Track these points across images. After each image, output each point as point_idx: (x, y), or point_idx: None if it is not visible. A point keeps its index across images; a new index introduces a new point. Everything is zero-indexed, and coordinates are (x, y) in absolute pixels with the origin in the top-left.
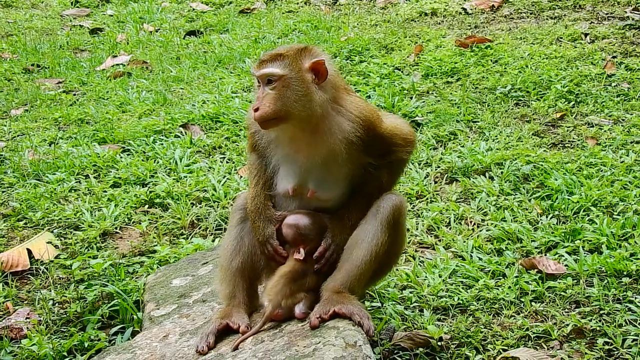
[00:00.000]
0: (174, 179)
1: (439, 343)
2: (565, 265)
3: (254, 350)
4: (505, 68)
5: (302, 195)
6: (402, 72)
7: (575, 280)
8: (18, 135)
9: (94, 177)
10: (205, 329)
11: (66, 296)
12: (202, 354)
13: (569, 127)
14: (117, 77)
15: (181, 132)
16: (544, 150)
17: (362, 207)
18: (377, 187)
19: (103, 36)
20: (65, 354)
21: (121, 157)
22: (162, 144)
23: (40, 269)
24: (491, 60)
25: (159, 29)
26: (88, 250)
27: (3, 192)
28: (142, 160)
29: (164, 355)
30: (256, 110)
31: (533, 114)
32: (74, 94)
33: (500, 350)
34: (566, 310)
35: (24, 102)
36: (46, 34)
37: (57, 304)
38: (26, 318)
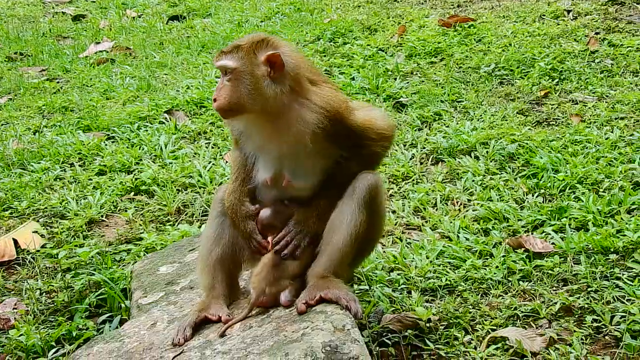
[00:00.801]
0: (159, 166)
1: (428, 324)
2: (552, 244)
3: (243, 337)
4: (488, 47)
5: (279, 184)
6: (385, 53)
7: (563, 259)
8: (2, 125)
9: (79, 165)
10: (182, 322)
11: (53, 285)
12: (178, 346)
13: (553, 104)
14: (101, 64)
15: (166, 118)
16: (529, 129)
17: (332, 196)
18: (349, 178)
19: (86, 23)
20: (53, 343)
21: (106, 145)
22: (146, 131)
23: (26, 259)
24: (474, 40)
25: (142, 15)
26: (74, 239)
27: None
28: (127, 147)
29: (152, 343)
30: (215, 100)
31: (517, 93)
32: (58, 82)
33: (489, 330)
34: (554, 288)
35: (7, 90)
36: (28, 21)
37: (44, 294)
38: (13, 308)
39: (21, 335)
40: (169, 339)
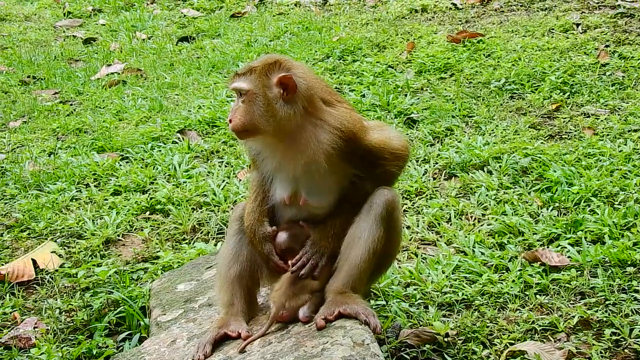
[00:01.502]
0: (173, 185)
1: (446, 339)
2: (569, 257)
3: (262, 352)
4: (498, 62)
5: (296, 203)
6: (395, 69)
7: (579, 272)
8: (17, 147)
9: (95, 186)
10: (202, 339)
11: (72, 304)
12: None
13: (565, 118)
14: (113, 86)
15: (178, 137)
16: (542, 143)
17: (347, 214)
18: (364, 197)
19: (96, 46)
20: None
21: (120, 165)
22: (160, 151)
23: (45, 279)
24: (484, 55)
25: (152, 37)
26: (92, 258)
27: (5, 203)
28: (141, 167)
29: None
30: (230, 121)
31: (528, 107)
32: (71, 104)
33: (507, 344)
34: (571, 302)
35: (21, 113)
36: (40, 45)
37: (63, 313)
38: (34, 327)
39: (42, 354)
40: (189, 355)
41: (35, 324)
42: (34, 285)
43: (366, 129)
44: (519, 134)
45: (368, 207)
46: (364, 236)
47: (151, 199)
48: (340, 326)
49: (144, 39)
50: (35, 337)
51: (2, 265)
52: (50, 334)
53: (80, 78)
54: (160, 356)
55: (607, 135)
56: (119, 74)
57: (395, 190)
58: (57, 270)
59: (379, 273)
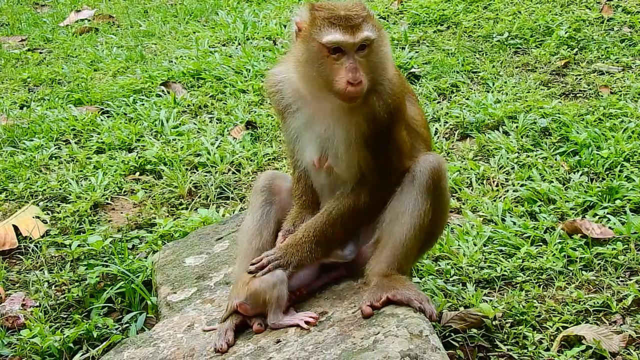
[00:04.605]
0: (162, 143)
1: (493, 322)
2: (610, 228)
3: (302, 343)
4: (497, 14)
5: (323, 165)
6: (387, 20)
7: (625, 245)
8: None
9: (75, 143)
10: (222, 325)
11: (63, 278)
12: (221, 352)
13: (577, 75)
14: (84, 33)
15: (162, 90)
16: (559, 102)
17: (334, 218)
18: (354, 203)
19: None
20: (71, 345)
21: (102, 120)
22: (143, 104)
23: (29, 247)
24: (481, 7)
25: None
26: (80, 225)
27: None
28: (125, 122)
29: (192, 348)
30: (358, 83)
31: (535, 63)
32: (40, 52)
33: (560, 327)
34: (621, 279)
35: None
36: None
37: (53, 287)
38: (22, 305)
39: (34, 336)
40: (211, 343)
41: (23, 300)
42: (17, 255)
43: (404, 115)
44: (530, 92)
45: (411, 176)
46: (408, 210)
47: (140, 157)
48: (392, 313)
49: None
50: (25, 316)
51: None
52: (41, 311)
53: (47, 24)
54: (177, 343)
55: (626, 94)
56: (89, 20)
57: (441, 157)
58: (43, 237)
59: (425, 249)
